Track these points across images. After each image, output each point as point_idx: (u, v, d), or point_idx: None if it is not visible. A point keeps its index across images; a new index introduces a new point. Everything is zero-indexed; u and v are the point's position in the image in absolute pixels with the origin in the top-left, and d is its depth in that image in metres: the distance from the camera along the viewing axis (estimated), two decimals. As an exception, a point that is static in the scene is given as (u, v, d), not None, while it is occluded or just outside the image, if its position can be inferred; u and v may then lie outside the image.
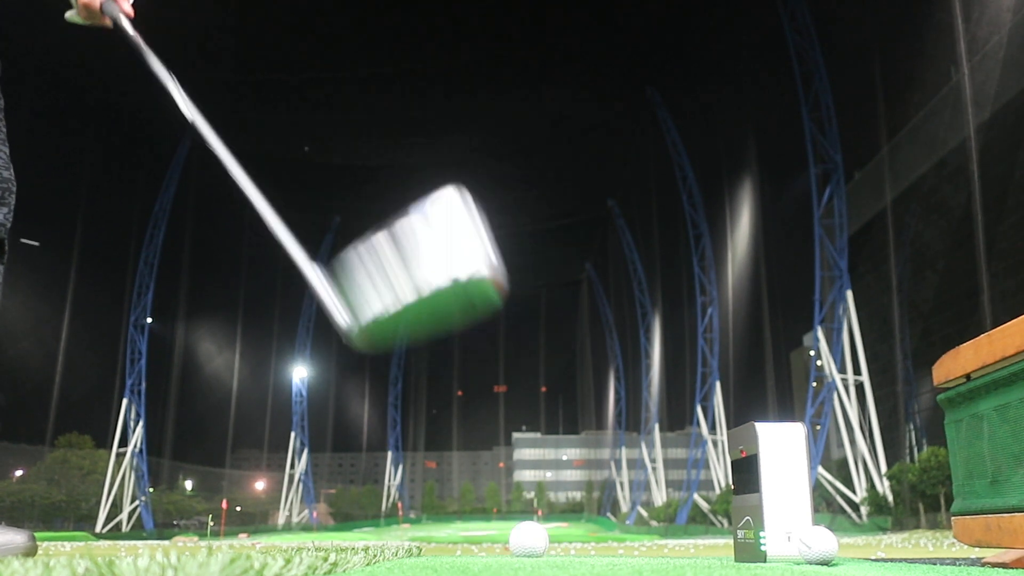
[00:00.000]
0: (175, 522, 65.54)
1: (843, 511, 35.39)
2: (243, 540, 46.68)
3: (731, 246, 49.56)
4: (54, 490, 55.99)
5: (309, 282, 1.74)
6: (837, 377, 36.10)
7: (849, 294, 36.27)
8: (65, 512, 56.70)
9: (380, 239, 1.62)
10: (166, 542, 40.42)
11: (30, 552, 1.87)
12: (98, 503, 55.25)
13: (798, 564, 3.48)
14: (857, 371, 36.09)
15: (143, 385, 56.95)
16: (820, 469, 36.42)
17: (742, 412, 46.20)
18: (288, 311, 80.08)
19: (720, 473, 48.90)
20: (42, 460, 57.50)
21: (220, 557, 1.43)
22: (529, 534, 3.46)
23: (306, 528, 74.44)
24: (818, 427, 36.79)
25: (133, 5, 2.38)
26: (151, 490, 59.08)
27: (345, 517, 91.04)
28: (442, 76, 52.51)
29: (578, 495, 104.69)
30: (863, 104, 35.60)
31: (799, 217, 38.50)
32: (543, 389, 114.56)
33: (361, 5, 46.88)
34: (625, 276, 69.79)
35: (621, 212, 70.03)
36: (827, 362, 36.48)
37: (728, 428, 47.44)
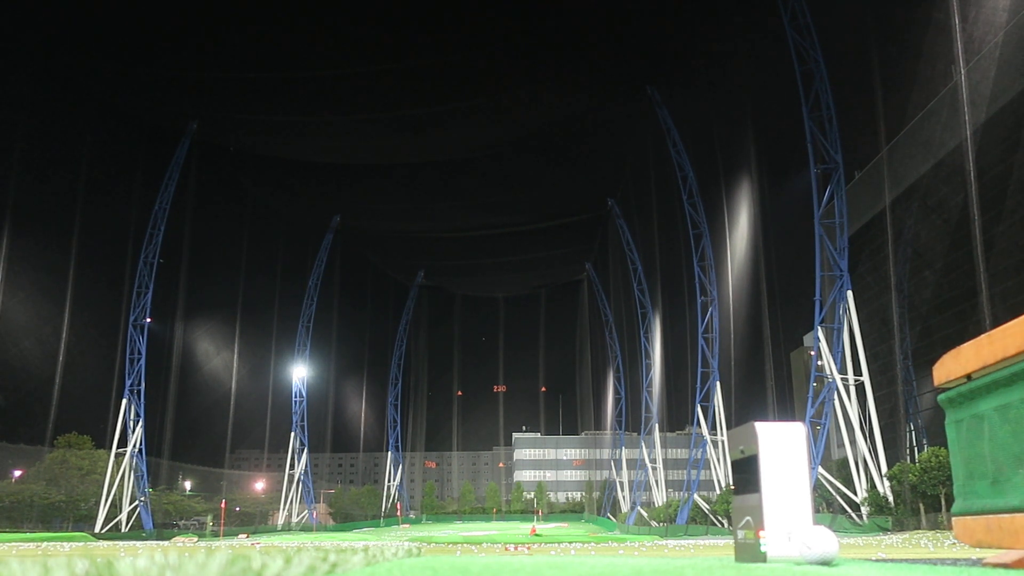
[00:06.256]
0: (175, 523, 65.53)
1: (844, 511, 35.37)
2: (243, 540, 46.69)
3: (731, 246, 49.55)
4: (53, 490, 55.95)
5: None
6: (837, 377, 36.08)
7: (849, 294, 36.25)
8: (64, 512, 56.66)
9: None
10: (165, 542, 40.42)
11: None
12: (97, 503, 55.22)
13: (798, 564, 3.48)
14: (857, 371, 36.08)
15: (142, 385, 56.92)
16: (820, 469, 36.40)
17: (742, 412, 46.18)
18: (287, 311, 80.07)
19: (720, 473, 48.86)
20: (41, 460, 57.45)
21: (219, 557, 1.42)
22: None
23: (306, 528, 74.41)
24: (818, 427, 36.78)
25: None
26: (150, 490, 59.04)
27: (345, 517, 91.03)
28: (442, 76, 52.47)
29: (578, 495, 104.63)
30: (863, 104, 35.58)
31: (799, 217, 38.47)
32: (543, 389, 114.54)
33: (361, 4, 46.85)
34: (625, 276, 69.79)
35: (621, 212, 70.02)
36: (827, 362, 36.46)
37: (728, 428, 47.49)
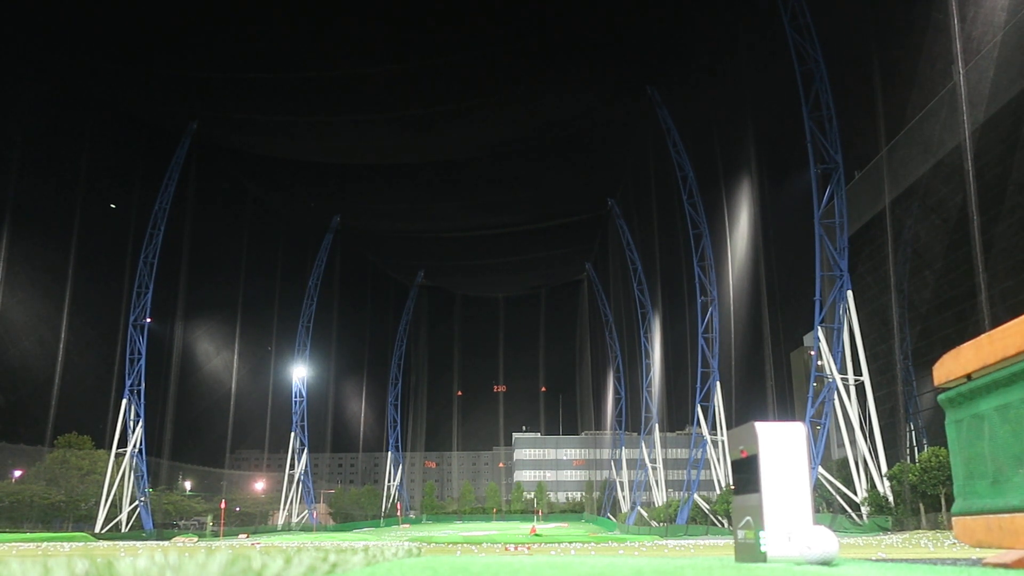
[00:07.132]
0: (175, 523, 65.51)
1: (844, 511, 35.37)
2: (243, 540, 46.71)
3: (731, 246, 49.55)
4: (53, 490, 55.93)
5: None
6: (837, 377, 36.08)
7: (849, 294, 36.25)
8: (64, 512, 56.65)
9: None
10: (165, 543, 40.42)
11: None
12: (97, 503, 55.21)
13: (798, 564, 3.49)
14: (857, 371, 36.08)
15: (142, 385, 56.91)
16: (820, 469, 36.40)
17: (742, 412, 46.18)
18: (287, 311, 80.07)
19: (720, 473, 48.85)
20: (41, 460, 57.45)
21: (219, 557, 1.43)
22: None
23: (306, 528, 74.41)
24: (818, 427, 36.77)
25: None
26: (150, 490, 59.03)
27: (345, 517, 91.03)
28: (442, 76, 52.46)
29: (578, 495, 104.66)
30: (863, 104, 35.57)
31: (799, 217, 38.47)
32: (543, 389, 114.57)
33: (362, 4, 46.84)
34: (625, 276, 69.78)
35: (621, 212, 70.01)
36: (827, 362, 36.46)
37: (728, 428, 47.47)
